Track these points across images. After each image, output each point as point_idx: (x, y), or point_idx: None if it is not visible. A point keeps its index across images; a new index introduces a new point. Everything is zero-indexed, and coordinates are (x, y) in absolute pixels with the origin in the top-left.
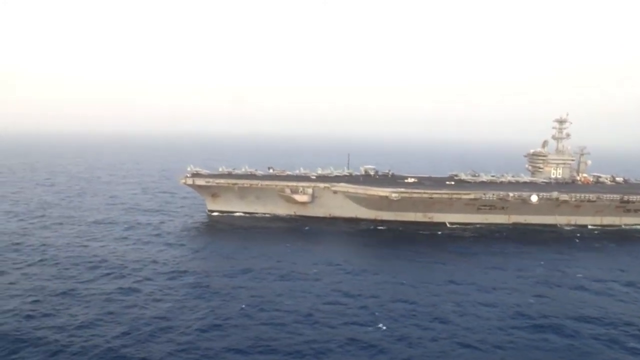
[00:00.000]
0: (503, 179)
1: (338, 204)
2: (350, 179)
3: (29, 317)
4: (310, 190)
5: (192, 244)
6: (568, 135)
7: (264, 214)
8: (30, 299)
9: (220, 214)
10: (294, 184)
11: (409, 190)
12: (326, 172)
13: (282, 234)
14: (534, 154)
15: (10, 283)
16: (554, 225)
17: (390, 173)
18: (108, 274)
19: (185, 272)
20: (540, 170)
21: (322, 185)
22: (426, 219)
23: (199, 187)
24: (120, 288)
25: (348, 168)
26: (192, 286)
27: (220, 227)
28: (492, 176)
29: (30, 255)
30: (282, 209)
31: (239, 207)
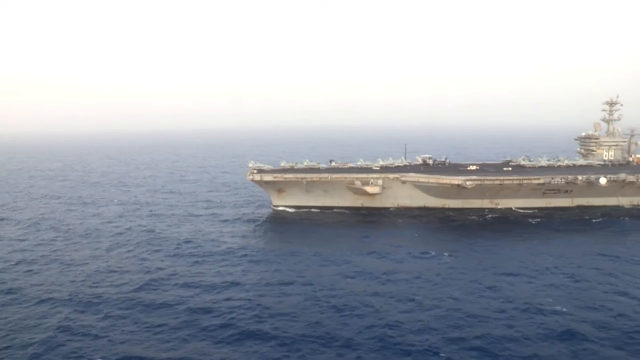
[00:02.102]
0: (560, 163)
1: (406, 194)
2: (413, 168)
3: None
4: (380, 182)
5: (301, 237)
6: (620, 117)
7: (331, 207)
8: (245, 294)
9: (286, 209)
10: (364, 175)
11: (481, 178)
12: (387, 162)
13: (374, 224)
14: (585, 137)
15: (181, 283)
16: (617, 207)
17: (447, 161)
18: (278, 270)
19: (335, 263)
20: (593, 152)
21: (391, 176)
22: (492, 205)
23: (266, 182)
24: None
25: (405, 158)
26: (362, 278)
27: (309, 219)
28: (549, 160)
29: (190, 253)
30: (349, 201)
31: (305, 201)
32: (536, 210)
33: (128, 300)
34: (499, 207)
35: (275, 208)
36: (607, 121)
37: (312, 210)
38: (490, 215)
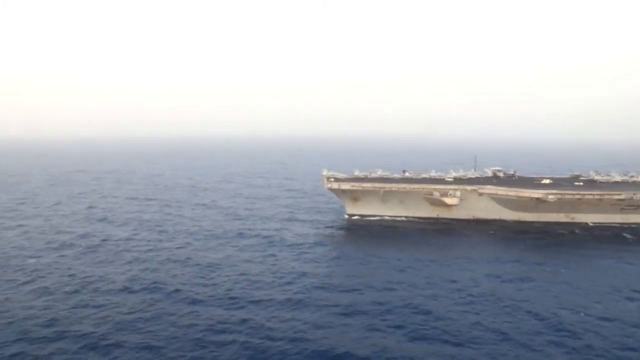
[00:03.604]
0: (635, 179)
1: (482, 206)
2: (485, 180)
3: None
4: (458, 193)
5: (413, 245)
6: None
7: (406, 217)
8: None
9: (361, 218)
10: (442, 187)
11: (563, 192)
12: (459, 174)
13: (469, 234)
14: None
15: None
16: None
17: (516, 175)
18: (414, 274)
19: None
20: None
21: (469, 187)
22: (568, 219)
23: (342, 191)
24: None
25: (475, 170)
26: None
27: (403, 227)
28: (624, 176)
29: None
30: (425, 212)
31: (380, 211)
32: (615, 225)
33: (293, 302)
34: (575, 221)
35: (350, 217)
36: None
37: (393, 219)
38: (577, 230)
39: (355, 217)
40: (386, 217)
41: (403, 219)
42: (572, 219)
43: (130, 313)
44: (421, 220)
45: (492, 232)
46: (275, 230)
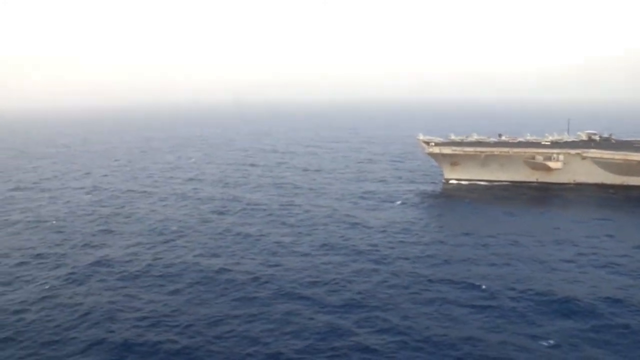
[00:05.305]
0: None
1: (585, 170)
2: (584, 144)
3: None
4: (562, 157)
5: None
6: None
7: (505, 181)
8: None
9: (459, 182)
10: (545, 150)
11: None
12: (555, 137)
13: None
14: None
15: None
16: None
17: (613, 138)
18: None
19: None
20: None
21: (573, 151)
22: None
23: (442, 155)
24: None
25: (568, 133)
26: None
27: (519, 193)
28: None
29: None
30: (524, 176)
31: (479, 175)
32: None
33: (464, 259)
34: None
35: (448, 181)
36: None
37: (498, 184)
38: None
39: (454, 182)
40: (488, 182)
41: (504, 183)
42: None
43: (353, 275)
44: (523, 185)
45: (612, 192)
46: (401, 192)
